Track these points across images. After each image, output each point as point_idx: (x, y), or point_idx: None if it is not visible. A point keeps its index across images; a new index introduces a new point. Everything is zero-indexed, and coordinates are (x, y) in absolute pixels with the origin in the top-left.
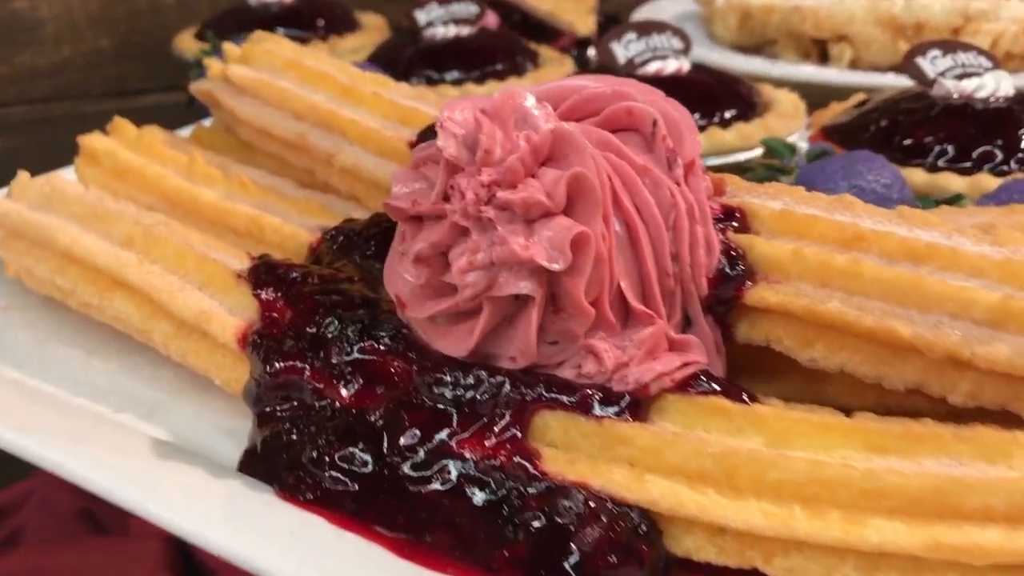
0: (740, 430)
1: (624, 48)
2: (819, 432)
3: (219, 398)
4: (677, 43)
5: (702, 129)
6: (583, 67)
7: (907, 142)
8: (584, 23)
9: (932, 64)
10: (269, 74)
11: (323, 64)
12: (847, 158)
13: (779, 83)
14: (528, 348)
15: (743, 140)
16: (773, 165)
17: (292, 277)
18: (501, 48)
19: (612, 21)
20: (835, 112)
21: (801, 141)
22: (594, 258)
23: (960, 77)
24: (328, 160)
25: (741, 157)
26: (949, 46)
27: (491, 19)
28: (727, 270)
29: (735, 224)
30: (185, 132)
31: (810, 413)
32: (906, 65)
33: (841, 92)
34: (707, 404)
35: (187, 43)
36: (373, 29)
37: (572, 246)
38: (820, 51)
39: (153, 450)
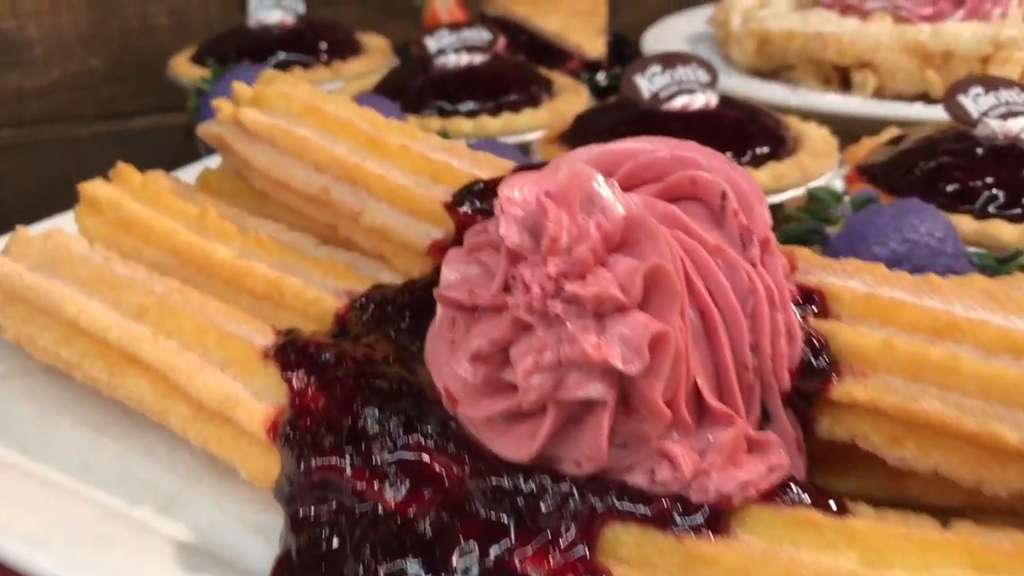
0: (832, 545)
1: (649, 82)
2: (919, 549)
3: (243, 486)
4: (703, 76)
5: None
6: (596, 92)
7: (953, 187)
8: (593, 45)
9: (975, 103)
10: (285, 120)
11: (344, 110)
12: (897, 208)
13: (802, 114)
14: (598, 454)
15: (777, 181)
16: (818, 214)
17: (325, 359)
18: (515, 77)
19: (621, 41)
20: (869, 149)
21: (836, 179)
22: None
23: (1004, 116)
24: (353, 217)
25: (777, 199)
26: (991, 83)
27: (499, 40)
28: (810, 361)
29: (815, 308)
30: (187, 172)
31: (906, 526)
32: (949, 104)
33: (868, 124)
34: (795, 516)
35: (183, 67)
36: (377, 52)
37: (650, 346)
38: (841, 77)
39: (178, 558)
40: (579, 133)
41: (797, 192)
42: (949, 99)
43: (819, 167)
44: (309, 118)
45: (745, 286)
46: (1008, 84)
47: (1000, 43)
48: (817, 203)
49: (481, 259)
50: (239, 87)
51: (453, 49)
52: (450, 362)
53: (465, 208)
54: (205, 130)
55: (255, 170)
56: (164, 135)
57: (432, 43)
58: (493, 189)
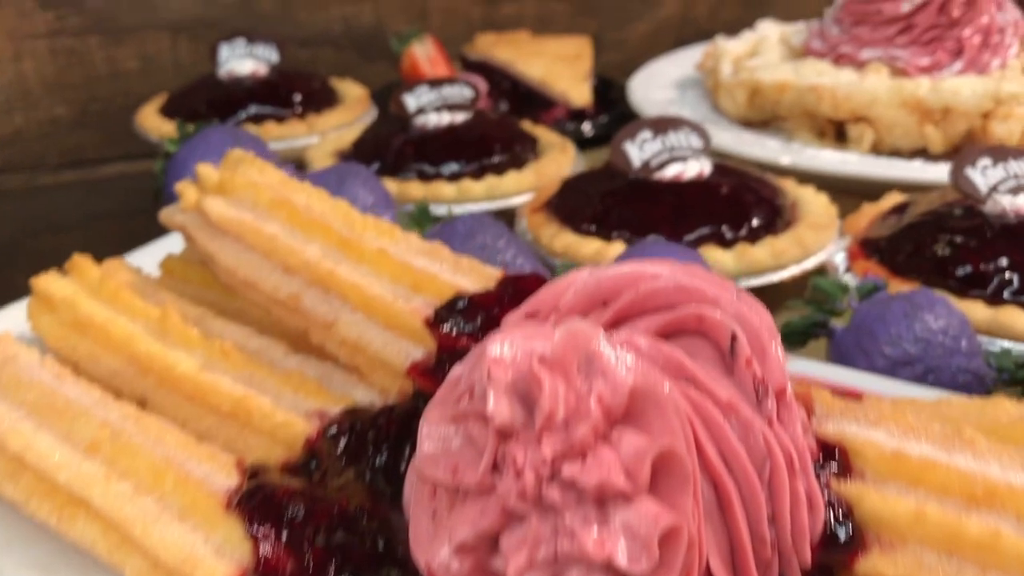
0: None
1: (639, 149)
2: None
3: None
4: (696, 141)
5: (730, 244)
6: (582, 143)
7: (963, 271)
8: (579, 92)
9: (983, 176)
10: (253, 213)
11: (317, 202)
12: (908, 303)
13: (797, 173)
14: None
15: (776, 258)
16: (823, 306)
17: (293, 514)
18: (498, 136)
19: (607, 84)
20: (870, 218)
21: (838, 253)
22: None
23: (1015, 191)
24: (326, 327)
25: (776, 278)
26: (1000, 153)
27: (479, 85)
28: (834, 532)
29: (836, 467)
30: (152, 250)
31: None
32: (956, 177)
33: (868, 185)
34: None
35: (150, 121)
36: (354, 102)
37: (660, 541)
38: (837, 130)
39: None
40: (566, 201)
41: (797, 270)
42: (957, 172)
43: (819, 241)
44: (279, 212)
45: (761, 450)
46: (1017, 154)
47: (1000, 98)
48: (822, 295)
49: (467, 431)
50: (203, 172)
51: (433, 108)
52: (432, 542)
53: (447, 328)
54: (168, 218)
55: (220, 267)
56: (133, 182)
57: (411, 101)
58: (478, 306)
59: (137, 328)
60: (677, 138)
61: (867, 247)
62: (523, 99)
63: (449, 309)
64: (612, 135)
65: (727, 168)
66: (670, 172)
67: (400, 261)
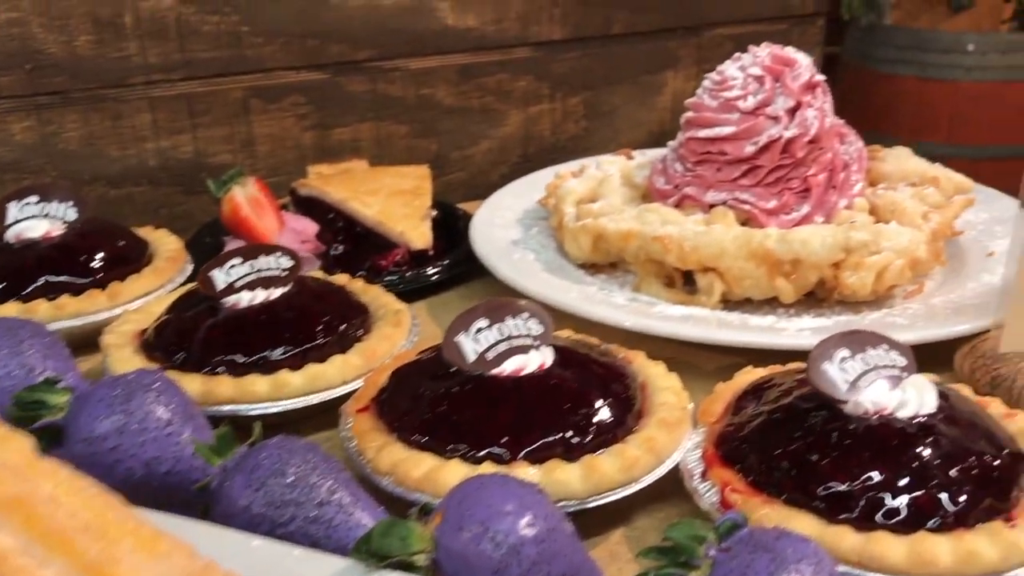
0: None
1: (473, 341)
2: None
3: None
4: (536, 327)
5: (577, 455)
6: (418, 292)
7: (827, 489)
8: (419, 234)
9: (842, 371)
10: None
11: (66, 497)
12: (773, 555)
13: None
14: None
15: (626, 471)
16: (679, 560)
17: None
18: (321, 313)
19: (449, 213)
20: (726, 403)
21: (693, 452)
22: None
23: (871, 384)
24: None
25: (624, 493)
26: (857, 342)
27: (309, 227)
28: None
29: None
30: None
31: None
32: (813, 374)
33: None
34: None
35: None
36: (167, 261)
37: None
38: (686, 277)
39: None
40: (395, 401)
41: (650, 481)
42: (813, 368)
43: (673, 441)
44: (14, 515)
45: None
46: (876, 340)
47: (851, 247)
48: (680, 552)
49: None
50: None
51: (246, 284)
52: None
53: None
54: None
55: None
56: None
57: (220, 278)
58: None
59: None
60: (516, 325)
61: (723, 447)
62: (360, 239)
63: None
64: (459, 276)
65: (571, 354)
66: (510, 366)
67: None
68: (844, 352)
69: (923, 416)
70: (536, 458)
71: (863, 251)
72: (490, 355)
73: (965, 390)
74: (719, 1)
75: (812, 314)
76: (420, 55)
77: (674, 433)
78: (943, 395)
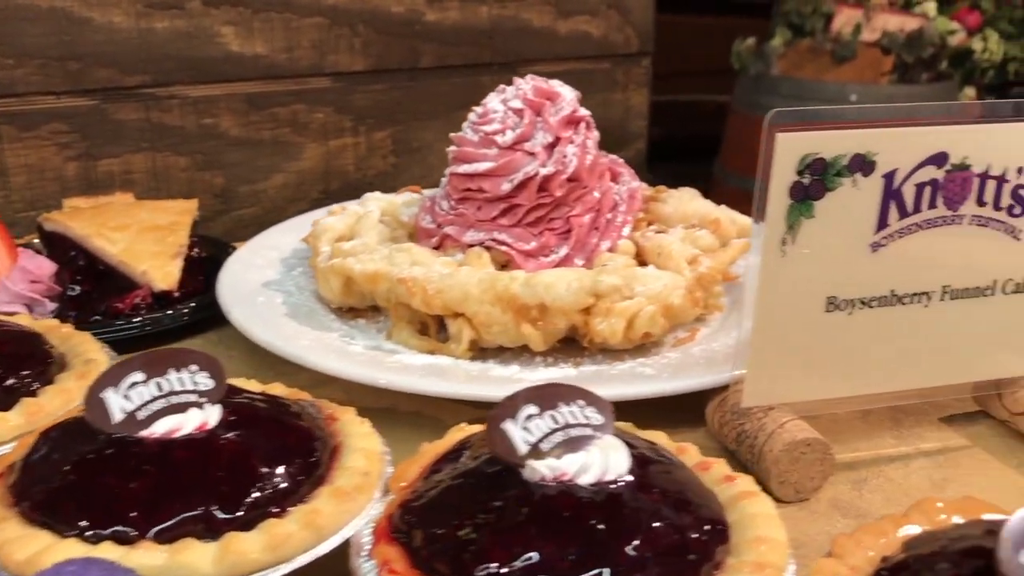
0: None
1: (124, 399)
2: None
3: None
4: (204, 381)
5: (219, 532)
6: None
7: (485, 570)
8: (164, 273)
9: (525, 431)
10: None
11: None
12: None
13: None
14: None
15: (273, 551)
16: None
17: None
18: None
19: (222, 250)
20: (417, 471)
21: (368, 534)
22: None
23: (563, 447)
24: None
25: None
26: (549, 397)
27: (44, 266)
28: None
29: None
30: None
31: None
32: (491, 436)
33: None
34: None
35: None
36: None
37: None
38: (439, 323)
39: None
40: (31, 469)
41: (307, 560)
42: (491, 427)
43: (344, 514)
44: None
45: None
46: (572, 394)
47: (600, 292)
48: None
49: None
50: None
51: None
52: None
53: None
54: None
55: None
56: None
57: None
58: None
59: None
60: (180, 379)
61: (400, 518)
62: (102, 279)
63: None
64: (210, 320)
65: (247, 413)
66: (161, 427)
67: None
68: (531, 409)
69: (608, 483)
70: (170, 536)
71: (615, 296)
72: (141, 414)
73: (691, 450)
74: (537, 37)
75: (571, 363)
76: (200, 82)
77: (347, 504)
78: (642, 459)
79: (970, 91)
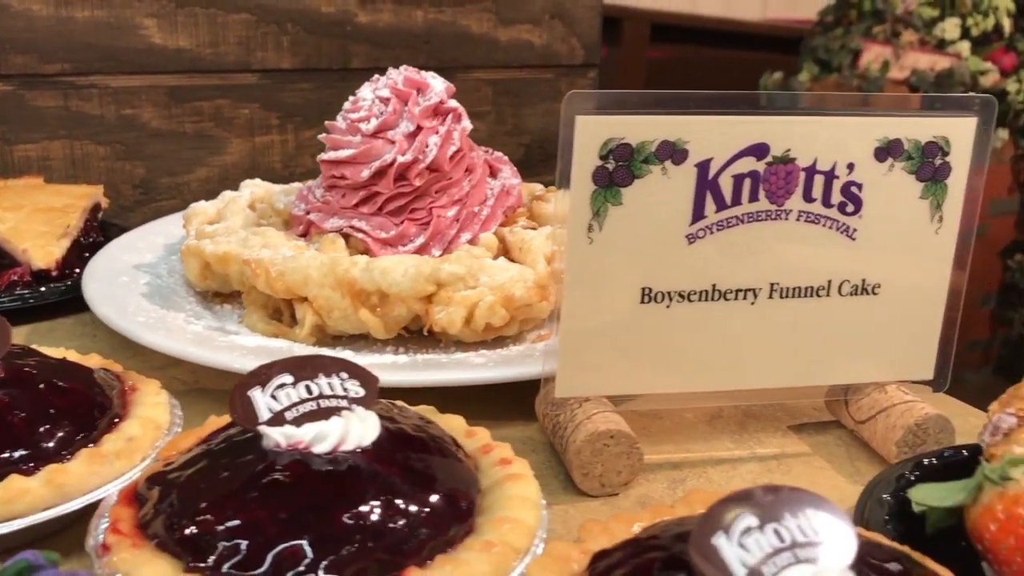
0: None
1: None
2: None
3: None
4: None
5: None
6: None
7: (190, 532)
8: (44, 252)
9: (272, 400)
10: None
11: None
12: None
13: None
14: None
15: (4, 507)
16: None
17: None
18: None
19: (113, 230)
20: (193, 441)
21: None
22: None
23: (309, 416)
24: None
25: None
26: (309, 368)
27: None
28: None
29: None
30: None
31: None
32: (233, 403)
33: None
34: None
35: None
36: None
37: None
38: (291, 308)
39: None
40: None
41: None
42: (237, 395)
43: (94, 476)
44: None
45: None
46: (333, 366)
47: (441, 281)
48: None
49: None
50: None
51: None
52: None
53: None
54: None
55: None
56: None
57: None
58: None
59: None
60: None
61: (146, 482)
62: None
63: None
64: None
65: (16, 372)
66: None
67: None
68: (285, 378)
69: (343, 453)
70: None
71: (458, 285)
72: None
73: (481, 434)
74: (476, 44)
75: (411, 351)
76: (121, 73)
77: (100, 467)
78: (396, 434)
79: (1003, 133)
